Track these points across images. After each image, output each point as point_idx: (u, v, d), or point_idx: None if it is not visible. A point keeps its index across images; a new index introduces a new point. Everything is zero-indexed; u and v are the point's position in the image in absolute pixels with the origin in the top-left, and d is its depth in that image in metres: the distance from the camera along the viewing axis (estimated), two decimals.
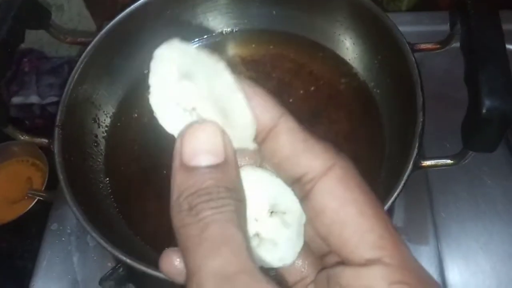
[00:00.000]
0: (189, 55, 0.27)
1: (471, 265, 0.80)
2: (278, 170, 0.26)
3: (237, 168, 0.24)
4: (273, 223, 0.27)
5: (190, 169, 0.23)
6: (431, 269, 0.77)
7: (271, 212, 0.28)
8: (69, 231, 0.85)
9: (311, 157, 0.24)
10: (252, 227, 0.27)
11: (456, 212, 0.84)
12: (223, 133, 0.24)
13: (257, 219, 0.28)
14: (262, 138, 0.25)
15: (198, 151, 0.23)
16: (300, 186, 0.25)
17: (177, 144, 0.25)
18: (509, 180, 0.87)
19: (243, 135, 0.26)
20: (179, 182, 0.23)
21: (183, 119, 0.27)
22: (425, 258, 0.79)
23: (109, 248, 0.60)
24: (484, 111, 0.51)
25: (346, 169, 0.24)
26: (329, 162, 0.24)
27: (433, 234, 0.81)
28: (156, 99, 0.28)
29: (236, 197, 0.23)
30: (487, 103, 0.51)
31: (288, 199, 0.27)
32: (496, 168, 0.88)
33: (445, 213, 0.84)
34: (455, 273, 0.78)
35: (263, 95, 0.25)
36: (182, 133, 0.25)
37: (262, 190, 0.27)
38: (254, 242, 0.27)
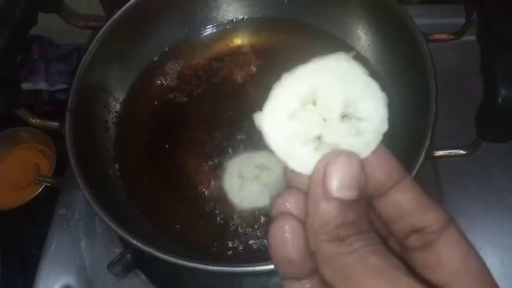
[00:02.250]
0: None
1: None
2: (397, 222, 0.27)
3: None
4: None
5: (334, 200, 0.25)
6: None
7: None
8: (77, 216, 0.85)
9: (436, 211, 0.27)
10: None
11: (464, 205, 0.83)
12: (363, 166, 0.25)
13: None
14: (381, 193, 0.27)
15: (344, 184, 0.25)
16: (421, 236, 0.26)
17: (319, 171, 0.25)
18: None
19: (376, 130, 0.26)
20: (323, 212, 0.25)
21: (311, 155, 0.26)
22: None
23: (119, 231, 0.60)
24: (500, 100, 0.51)
25: (458, 225, 0.27)
26: (448, 217, 0.27)
27: None
28: (276, 141, 0.26)
29: (373, 230, 0.25)
30: (503, 92, 0.51)
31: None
32: (506, 160, 0.87)
33: (454, 206, 0.83)
34: None
35: (389, 156, 0.28)
36: (328, 161, 0.25)
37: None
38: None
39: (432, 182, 0.84)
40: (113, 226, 0.60)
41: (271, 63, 0.86)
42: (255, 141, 0.76)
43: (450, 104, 0.85)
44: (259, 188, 0.73)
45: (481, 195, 0.84)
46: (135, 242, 0.59)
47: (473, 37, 0.63)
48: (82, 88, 0.73)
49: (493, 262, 0.78)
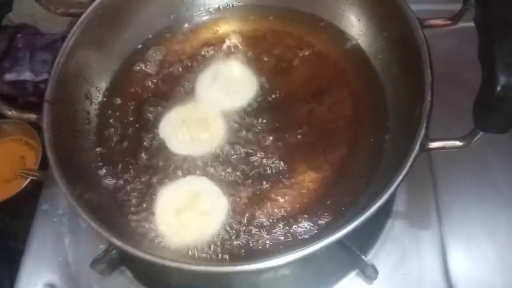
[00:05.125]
0: None
1: (474, 251, 0.76)
2: None
3: None
4: None
5: None
6: (433, 255, 0.74)
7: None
8: (61, 211, 0.82)
9: None
10: None
11: (460, 196, 0.80)
12: None
13: None
14: None
15: None
16: None
17: None
18: None
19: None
20: None
21: None
22: (427, 243, 0.76)
23: (99, 230, 0.58)
24: (498, 88, 0.48)
25: None
26: None
27: (436, 218, 0.78)
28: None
29: None
30: (502, 80, 0.48)
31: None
32: (503, 151, 0.84)
33: (449, 197, 0.80)
34: (458, 259, 0.75)
35: None
36: None
37: None
38: None
39: (427, 172, 0.81)
40: (93, 224, 0.57)
41: (261, 50, 0.83)
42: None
43: (446, 93, 0.82)
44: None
45: (477, 187, 0.81)
46: (116, 241, 0.57)
47: (470, 24, 0.61)
48: (61, 78, 0.70)
49: (489, 254, 0.76)
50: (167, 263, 0.54)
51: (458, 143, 0.58)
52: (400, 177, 0.56)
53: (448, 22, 0.68)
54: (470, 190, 0.81)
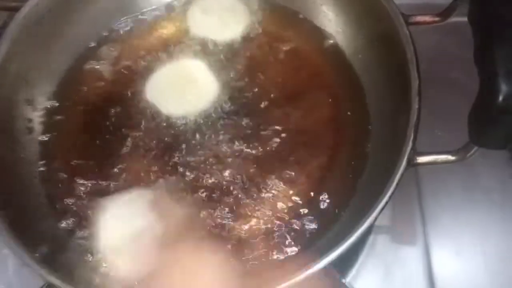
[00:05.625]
0: None
1: (463, 264, 0.71)
2: None
3: None
4: None
5: None
6: (419, 269, 0.69)
7: None
8: None
9: None
10: None
11: (449, 205, 0.74)
12: None
13: None
14: None
15: None
16: None
17: None
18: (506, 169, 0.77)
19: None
20: None
21: None
22: (413, 258, 0.70)
23: (32, 267, 0.49)
24: (500, 98, 0.41)
25: None
26: None
27: (421, 230, 0.72)
28: None
29: None
30: (504, 88, 0.41)
31: None
32: (493, 158, 0.78)
33: (438, 206, 0.74)
34: (445, 274, 0.69)
35: None
36: None
37: None
38: None
39: (412, 180, 0.75)
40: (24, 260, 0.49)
41: (231, 52, 0.74)
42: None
43: (431, 95, 0.76)
44: None
45: (467, 194, 0.75)
46: (47, 276, 0.48)
47: (461, 19, 0.55)
48: None
49: (478, 268, 0.70)
50: None
51: (450, 158, 0.51)
52: (386, 198, 0.49)
53: (437, 18, 0.62)
54: (460, 198, 0.74)
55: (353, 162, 0.64)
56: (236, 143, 0.66)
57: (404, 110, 0.56)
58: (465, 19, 0.85)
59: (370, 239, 0.71)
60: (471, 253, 0.71)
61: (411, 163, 0.52)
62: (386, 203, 0.49)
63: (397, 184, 0.50)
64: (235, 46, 0.75)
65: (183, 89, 0.70)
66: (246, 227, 0.61)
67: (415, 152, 0.52)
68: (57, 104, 0.71)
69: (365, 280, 0.68)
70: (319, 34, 0.74)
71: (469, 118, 0.46)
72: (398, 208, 0.73)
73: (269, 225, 0.60)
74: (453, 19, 0.69)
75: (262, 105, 0.69)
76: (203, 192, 0.63)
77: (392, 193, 0.49)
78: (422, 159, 0.52)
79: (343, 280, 0.62)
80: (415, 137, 0.52)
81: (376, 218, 0.48)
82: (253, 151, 0.66)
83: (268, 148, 0.66)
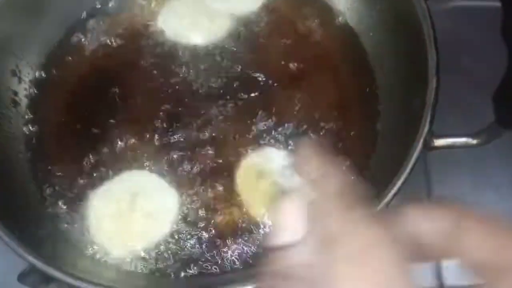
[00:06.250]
0: None
1: None
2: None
3: None
4: None
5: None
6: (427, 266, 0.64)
7: None
8: None
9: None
10: None
11: (456, 200, 0.70)
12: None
13: None
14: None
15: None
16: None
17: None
18: None
19: None
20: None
21: None
22: None
23: (14, 247, 0.45)
24: None
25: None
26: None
27: None
28: None
29: None
30: None
31: None
32: (504, 150, 0.74)
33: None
34: (453, 273, 0.65)
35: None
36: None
37: None
38: None
39: (421, 175, 0.70)
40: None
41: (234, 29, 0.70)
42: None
43: (444, 86, 0.72)
44: None
45: (477, 191, 0.71)
46: (31, 259, 0.44)
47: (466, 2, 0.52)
48: None
49: None
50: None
51: (471, 141, 0.47)
52: (399, 182, 0.45)
53: None
54: (469, 196, 0.70)
55: (362, 144, 0.60)
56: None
57: (419, 90, 0.52)
58: (478, 3, 0.82)
59: None
60: None
61: (428, 146, 0.47)
62: (399, 188, 0.45)
63: (412, 168, 0.46)
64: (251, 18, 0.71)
65: None
66: None
67: (432, 135, 0.48)
68: (44, 76, 0.66)
69: None
70: (329, 11, 0.70)
71: (495, 96, 0.42)
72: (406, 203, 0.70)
73: None
74: (460, 3, 0.66)
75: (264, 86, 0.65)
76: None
77: (408, 175, 0.45)
78: (439, 142, 0.48)
79: None
80: (432, 118, 0.48)
81: (389, 203, 0.44)
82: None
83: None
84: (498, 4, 0.49)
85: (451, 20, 0.81)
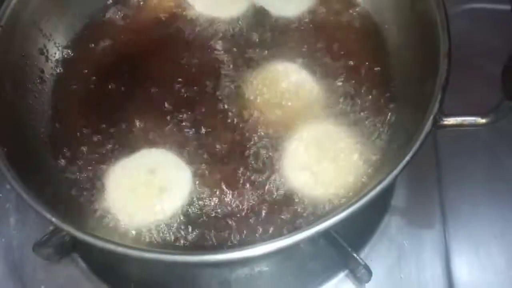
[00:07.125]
0: None
1: (482, 257, 0.67)
2: None
3: None
4: None
5: None
6: (435, 259, 0.65)
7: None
8: (8, 186, 0.70)
9: None
10: None
11: (468, 193, 0.71)
12: None
13: None
14: None
15: None
16: None
17: None
18: None
19: None
20: None
21: None
22: (429, 246, 0.66)
23: (34, 206, 0.47)
24: None
25: None
26: None
27: (440, 217, 0.68)
28: None
29: None
30: None
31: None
32: None
33: (455, 193, 0.70)
34: (463, 266, 0.66)
35: None
36: None
37: None
38: None
39: (431, 165, 0.71)
40: (26, 198, 0.47)
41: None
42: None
43: (456, 80, 0.74)
44: None
45: (488, 183, 0.72)
46: (54, 220, 0.46)
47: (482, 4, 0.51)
48: (9, 24, 0.59)
49: (498, 261, 0.67)
50: (112, 247, 0.44)
51: (480, 120, 0.48)
52: (407, 157, 0.46)
53: None
54: (479, 187, 0.71)
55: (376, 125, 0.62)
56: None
57: (431, 72, 0.53)
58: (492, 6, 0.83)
59: (385, 219, 0.68)
60: (491, 245, 0.67)
61: (437, 124, 0.49)
62: (408, 162, 0.46)
63: (421, 143, 0.47)
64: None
65: None
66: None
67: (443, 114, 0.49)
68: (71, 55, 0.69)
69: (377, 260, 0.65)
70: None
71: (503, 72, 0.43)
72: (415, 193, 0.70)
73: None
74: (477, 5, 0.67)
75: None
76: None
77: (416, 151, 0.46)
78: (448, 121, 0.49)
79: (354, 254, 0.59)
80: (442, 97, 0.49)
81: (397, 176, 0.45)
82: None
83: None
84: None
85: (467, 21, 0.83)
